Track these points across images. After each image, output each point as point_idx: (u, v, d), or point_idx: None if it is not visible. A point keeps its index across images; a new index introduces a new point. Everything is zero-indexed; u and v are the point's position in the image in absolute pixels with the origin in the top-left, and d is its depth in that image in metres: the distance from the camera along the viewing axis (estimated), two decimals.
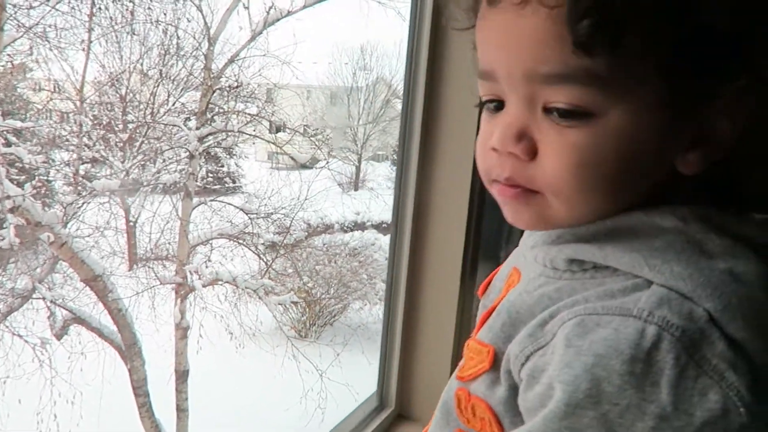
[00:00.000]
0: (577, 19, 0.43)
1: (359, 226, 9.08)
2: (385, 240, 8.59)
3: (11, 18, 4.60)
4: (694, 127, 0.47)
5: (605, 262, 0.48)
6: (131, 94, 7.32)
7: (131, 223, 6.74)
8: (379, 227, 9.07)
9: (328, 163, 7.78)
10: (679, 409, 0.41)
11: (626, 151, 0.46)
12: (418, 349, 1.45)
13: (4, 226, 4.22)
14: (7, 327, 4.38)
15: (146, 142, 6.70)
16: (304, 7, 6.02)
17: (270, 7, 5.93)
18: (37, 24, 4.99)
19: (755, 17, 0.44)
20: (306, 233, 7.80)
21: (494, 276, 0.70)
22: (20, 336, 4.41)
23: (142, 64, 7.12)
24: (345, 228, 8.92)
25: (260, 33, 6.16)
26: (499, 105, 0.53)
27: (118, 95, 7.22)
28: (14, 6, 4.67)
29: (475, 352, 0.58)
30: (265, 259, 6.50)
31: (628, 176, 0.48)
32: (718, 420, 0.40)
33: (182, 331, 5.67)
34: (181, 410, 5.73)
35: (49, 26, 5.24)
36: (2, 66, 5.23)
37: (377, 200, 8.41)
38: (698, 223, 0.46)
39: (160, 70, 6.83)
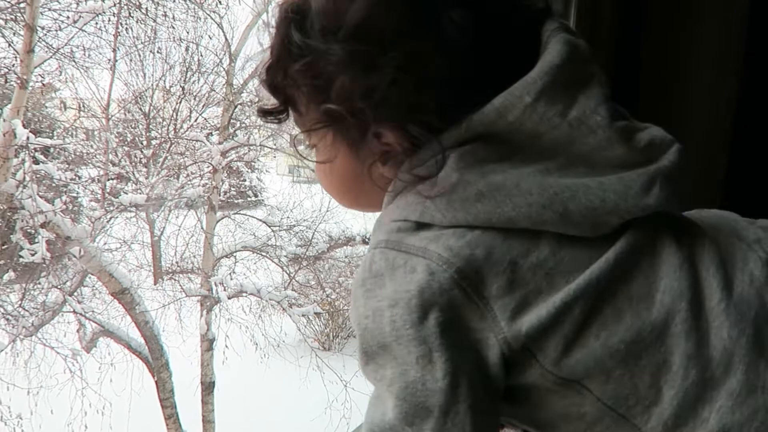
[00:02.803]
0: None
1: None
2: None
3: (41, 40, 4.74)
4: (370, 152, 0.57)
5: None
6: (154, 111, 7.50)
7: (156, 238, 6.87)
8: None
9: None
10: (398, 290, 0.50)
11: (330, 169, 0.60)
12: None
13: (36, 240, 4.34)
14: (39, 339, 4.48)
15: (170, 157, 6.84)
16: None
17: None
18: (65, 45, 5.14)
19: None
20: (328, 245, 7.86)
21: None
22: (52, 348, 4.51)
23: (164, 82, 7.30)
24: (367, 240, 8.96)
25: None
26: None
27: (141, 112, 7.39)
28: (43, 28, 4.82)
29: None
30: (288, 271, 6.56)
31: (346, 184, 0.61)
32: (429, 282, 0.49)
33: (208, 342, 5.74)
34: (208, 421, 5.78)
35: (76, 47, 5.41)
36: (31, 86, 5.38)
37: None
38: (404, 174, 0.56)
39: (182, 87, 6.98)
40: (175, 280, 6.13)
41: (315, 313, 6.78)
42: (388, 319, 0.50)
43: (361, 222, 8.62)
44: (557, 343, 0.49)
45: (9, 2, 4.45)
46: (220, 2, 5.83)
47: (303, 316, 6.39)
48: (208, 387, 5.78)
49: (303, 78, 0.55)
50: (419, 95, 0.52)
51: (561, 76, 0.51)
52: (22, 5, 4.30)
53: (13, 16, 4.46)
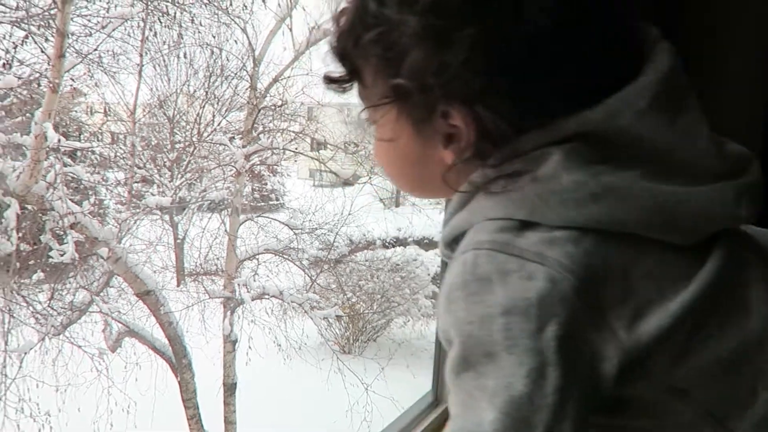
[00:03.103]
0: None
1: (401, 242, 9.13)
2: (427, 255, 8.60)
3: (70, 45, 4.83)
4: (435, 132, 0.56)
5: (455, 232, 0.57)
6: (179, 115, 7.60)
7: (179, 240, 6.96)
8: (420, 243, 9.08)
9: (370, 179, 7.85)
10: (514, 297, 0.47)
11: (394, 150, 0.60)
12: None
13: (65, 241, 4.42)
14: (66, 338, 4.57)
15: (193, 161, 6.92)
16: None
17: (312, 28, 6.07)
18: (94, 50, 5.23)
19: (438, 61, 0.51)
20: (349, 248, 7.88)
21: None
22: (79, 346, 4.59)
23: (189, 86, 7.40)
24: (387, 244, 8.98)
25: (303, 52, 6.29)
26: None
27: (166, 116, 7.50)
28: (73, 34, 4.92)
29: None
30: (309, 274, 6.59)
31: (410, 167, 0.60)
32: (551, 290, 0.47)
33: (230, 344, 5.79)
34: (229, 422, 5.82)
35: (105, 52, 5.51)
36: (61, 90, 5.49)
37: (419, 215, 8.42)
38: (491, 169, 0.54)
39: (206, 91, 7.07)
40: (198, 281, 6.20)
41: (336, 316, 6.81)
42: (500, 326, 0.47)
43: (382, 226, 8.65)
44: (672, 352, 0.49)
45: (41, 8, 4.55)
46: (244, 7, 5.89)
47: (324, 318, 6.42)
48: (230, 388, 5.83)
49: (374, 48, 0.54)
50: (492, 77, 0.50)
51: (670, 85, 0.52)
52: (53, 11, 4.40)
53: (45, 23, 4.57)
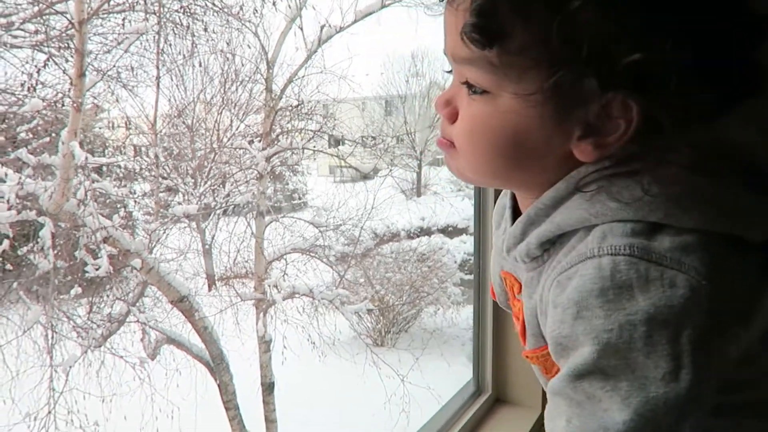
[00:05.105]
0: (469, 20, 0.52)
1: (425, 232, 9.14)
2: (452, 243, 8.61)
3: (89, 64, 4.92)
4: (578, 120, 0.52)
5: (561, 230, 0.55)
6: (197, 123, 7.70)
7: (207, 246, 7.06)
8: (445, 231, 9.09)
9: (390, 171, 7.87)
10: (658, 305, 0.47)
11: (510, 128, 0.55)
12: (510, 333, 1.50)
13: (99, 255, 4.53)
14: (108, 349, 4.69)
15: (215, 167, 7.01)
16: (355, 21, 6.15)
17: (323, 25, 6.10)
18: (112, 68, 5.33)
19: (620, 39, 0.47)
20: (374, 242, 7.93)
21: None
22: (121, 357, 4.72)
23: (205, 94, 7.48)
24: (411, 234, 9.00)
25: (315, 51, 6.33)
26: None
27: (185, 125, 7.61)
28: (91, 52, 5.01)
29: (539, 360, 0.66)
30: (337, 270, 6.64)
31: (516, 151, 0.56)
32: (691, 298, 0.47)
33: (265, 344, 5.88)
34: (270, 421, 5.92)
35: (122, 67, 5.60)
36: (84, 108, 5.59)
37: (442, 204, 8.42)
38: (615, 168, 0.53)
39: (223, 97, 7.15)
40: (229, 285, 6.30)
41: (367, 310, 6.86)
42: (642, 333, 0.47)
43: (406, 217, 8.67)
44: None
45: (59, 30, 4.65)
46: (255, 11, 5.94)
47: (355, 313, 6.48)
48: (268, 387, 5.92)
49: (549, 13, 0.48)
50: (688, 71, 0.48)
51: None
52: (71, 32, 4.49)
53: (64, 44, 4.66)
